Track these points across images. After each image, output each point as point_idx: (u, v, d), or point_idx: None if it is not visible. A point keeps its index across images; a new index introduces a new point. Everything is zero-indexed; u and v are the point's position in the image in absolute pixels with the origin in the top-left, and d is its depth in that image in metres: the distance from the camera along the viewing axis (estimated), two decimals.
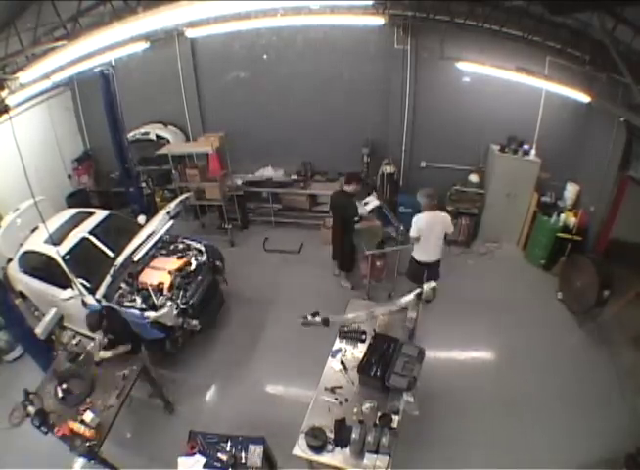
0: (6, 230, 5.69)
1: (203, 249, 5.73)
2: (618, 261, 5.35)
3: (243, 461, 3.22)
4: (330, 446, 3.16)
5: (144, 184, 7.59)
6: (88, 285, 4.92)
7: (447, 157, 6.97)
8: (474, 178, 6.80)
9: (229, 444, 3.32)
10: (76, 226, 5.52)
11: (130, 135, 7.11)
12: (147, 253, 5.32)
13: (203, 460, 3.20)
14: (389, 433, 3.08)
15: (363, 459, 3.06)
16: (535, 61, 5.48)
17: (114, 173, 7.75)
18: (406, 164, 7.22)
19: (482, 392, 4.62)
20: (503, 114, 6.33)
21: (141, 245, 5.08)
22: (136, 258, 5.09)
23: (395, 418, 3.26)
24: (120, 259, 4.88)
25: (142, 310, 4.73)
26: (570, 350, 5.16)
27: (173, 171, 7.05)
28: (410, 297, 3.99)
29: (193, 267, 5.39)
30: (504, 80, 5.40)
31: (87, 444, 3.40)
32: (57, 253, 4.87)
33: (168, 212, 5.47)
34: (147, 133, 7.52)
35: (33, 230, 5.67)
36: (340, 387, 3.60)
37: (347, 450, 3.13)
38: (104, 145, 7.12)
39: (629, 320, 5.27)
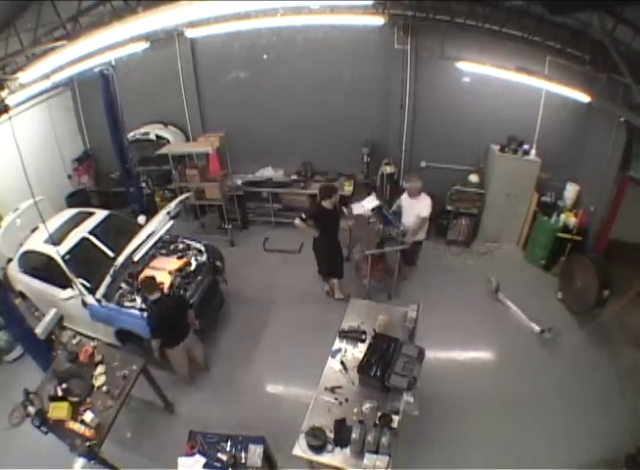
0: (6, 230, 5.69)
1: (203, 249, 5.74)
2: (618, 261, 5.35)
3: (243, 461, 3.23)
4: (330, 446, 3.17)
5: (144, 184, 7.59)
6: (88, 285, 4.93)
7: (447, 157, 6.97)
8: (474, 178, 6.79)
9: (229, 444, 3.32)
10: (76, 226, 5.53)
11: (130, 135, 7.11)
12: (147, 253, 5.33)
13: (203, 460, 3.21)
14: (389, 433, 3.09)
15: (363, 459, 3.06)
16: (535, 61, 5.47)
17: (114, 173, 7.75)
18: (406, 164, 7.21)
19: (482, 392, 4.62)
20: (503, 114, 6.32)
21: (141, 245, 5.08)
22: (136, 258, 5.09)
23: (395, 418, 3.26)
24: (120, 259, 4.88)
25: (142, 310, 4.73)
26: (569, 350, 5.16)
27: (173, 171, 7.05)
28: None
29: (193, 267, 5.40)
30: (504, 80, 5.40)
31: (87, 444, 3.41)
32: (57, 253, 4.88)
33: (168, 212, 5.47)
34: (147, 133, 7.51)
35: (33, 230, 5.67)
36: (340, 387, 3.60)
37: (347, 450, 3.14)
38: (104, 145, 7.12)
39: (629, 320, 5.27)
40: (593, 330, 5.33)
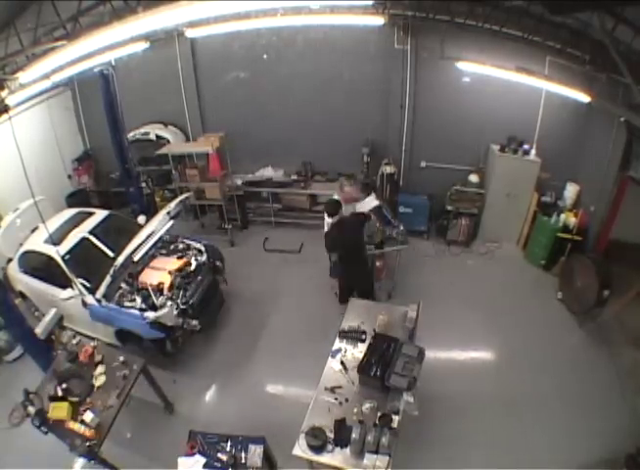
0: (6, 230, 5.69)
1: (203, 249, 5.74)
2: (618, 261, 5.35)
3: (243, 461, 3.23)
4: (330, 446, 3.17)
5: (144, 184, 7.59)
6: (88, 285, 4.93)
7: (447, 157, 6.97)
8: (474, 178, 6.79)
9: (229, 444, 3.32)
10: (76, 226, 5.52)
11: (130, 135, 7.11)
12: (147, 253, 5.33)
13: (203, 460, 3.21)
14: (389, 433, 3.09)
15: (363, 459, 3.06)
16: (535, 61, 5.47)
17: (114, 173, 7.74)
18: (406, 164, 7.21)
19: (482, 392, 4.62)
20: (503, 114, 6.32)
21: (141, 245, 5.08)
22: (136, 259, 5.09)
23: (395, 418, 3.26)
24: (120, 259, 4.88)
25: (142, 310, 4.73)
26: (570, 350, 5.16)
27: (173, 171, 7.05)
28: None
29: (193, 267, 5.40)
30: (504, 80, 5.40)
31: (87, 444, 3.41)
32: (57, 253, 4.88)
33: (168, 212, 5.47)
34: (147, 133, 7.52)
35: (33, 230, 5.67)
36: (340, 387, 3.60)
37: (347, 450, 3.14)
38: (104, 145, 7.12)
39: (629, 320, 5.27)
40: (593, 330, 5.33)
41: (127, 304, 4.88)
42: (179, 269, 5.27)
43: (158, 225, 5.31)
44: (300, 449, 3.19)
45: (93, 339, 4.50)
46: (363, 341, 3.97)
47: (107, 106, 5.97)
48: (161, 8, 3.04)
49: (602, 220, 5.82)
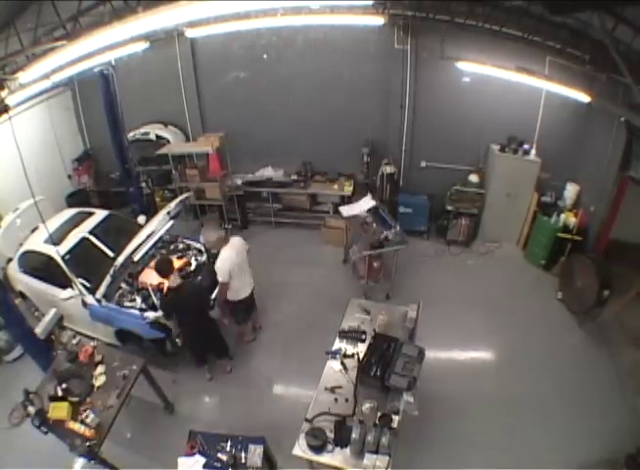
0: (6, 230, 5.69)
1: (203, 249, 5.74)
2: (618, 261, 5.35)
3: (243, 461, 3.22)
4: (330, 446, 3.16)
5: (144, 184, 7.58)
6: (88, 285, 4.92)
7: (447, 157, 6.97)
8: (474, 178, 6.79)
9: (229, 444, 3.32)
10: (76, 226, 5.52)
11: (130, 135, 7.11)
12: (147, 253, 5.33)
13: (203, 460, 3.21)
14: (389, 433, 3.08)
15: (363, 459, 3.05)
16: (535, 61, 5.47)
17: (114, 173, 7.74)
18: (406, 164, 7.21)
19: (482, 392, 4.62)
20: (503, 114, 6.32)
21: (141, 245, 5.08)
22: (136, 259, 5.09)
23: (395, 418, 3.25)
24: (120, 259, 4.88)
25: (142, 310, 4.73)
26: (570, 350, 5.16)
27: (173, 171, 7.06)
28: None
29: (193, 267, 5.40)
30: (504, 80, 5.39)
31: (87, 444, 3.41)
32: (57, 253, 4.88)
33: (168, 212, 5.47)
34: (147, 133, 7.51)
35: (33, 230, 5.67)
36: (340, 387, 3.60)
37: (347, 450, 3.13)
38: (104, 145, 7.12)
39: (629, 320, 5.27)
40: (593, 330, 5.33)
41: (127, 304, 4.88)
42: (179, 269, 5.25)
43: (158, 225, 5.31)
44: (300, 449, 3.18)
45: (93, 339, 4.50)
46: (363, 341, 3.96)
47: (107, 106, 5.97)
48: (161, 8, 3.03)
49: (602, 220, 5.82)
